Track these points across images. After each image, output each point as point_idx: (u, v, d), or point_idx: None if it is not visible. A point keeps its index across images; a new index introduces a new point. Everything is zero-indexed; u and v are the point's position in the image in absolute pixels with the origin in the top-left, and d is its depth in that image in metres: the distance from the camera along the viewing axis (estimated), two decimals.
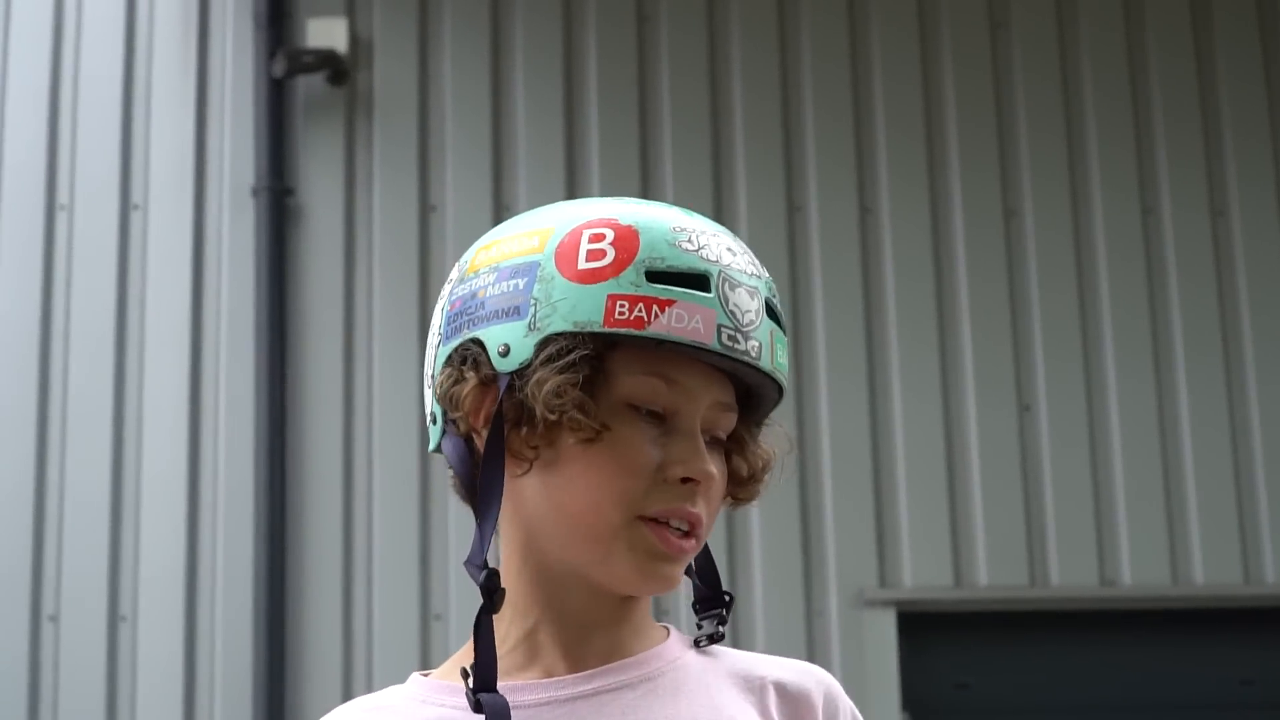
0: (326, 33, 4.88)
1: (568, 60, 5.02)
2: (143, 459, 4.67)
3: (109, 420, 4.68)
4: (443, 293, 1.45)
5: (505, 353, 1.35)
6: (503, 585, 1.38)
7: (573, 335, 1.33)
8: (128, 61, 4.92)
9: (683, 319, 1.33)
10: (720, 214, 4.92)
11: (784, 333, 1.40)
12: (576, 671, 1.39)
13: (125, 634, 4.57)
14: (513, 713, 1.34)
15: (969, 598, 4.80)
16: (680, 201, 4.86)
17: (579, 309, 1.34)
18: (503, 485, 1.36)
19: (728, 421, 1.41)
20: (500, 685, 1.35)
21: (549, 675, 1.38)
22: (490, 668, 1.33)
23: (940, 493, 4.84)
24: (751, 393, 1.42)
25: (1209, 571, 4.86)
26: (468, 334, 1.39)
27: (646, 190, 4.91)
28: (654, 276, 1.34)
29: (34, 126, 4.86)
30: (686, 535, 1.37)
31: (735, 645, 4.00)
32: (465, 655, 1.39)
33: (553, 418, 1.33)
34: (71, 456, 4.66)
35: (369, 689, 4.44)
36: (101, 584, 4.59)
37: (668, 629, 1.46)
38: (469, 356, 1.38)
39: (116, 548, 4.61)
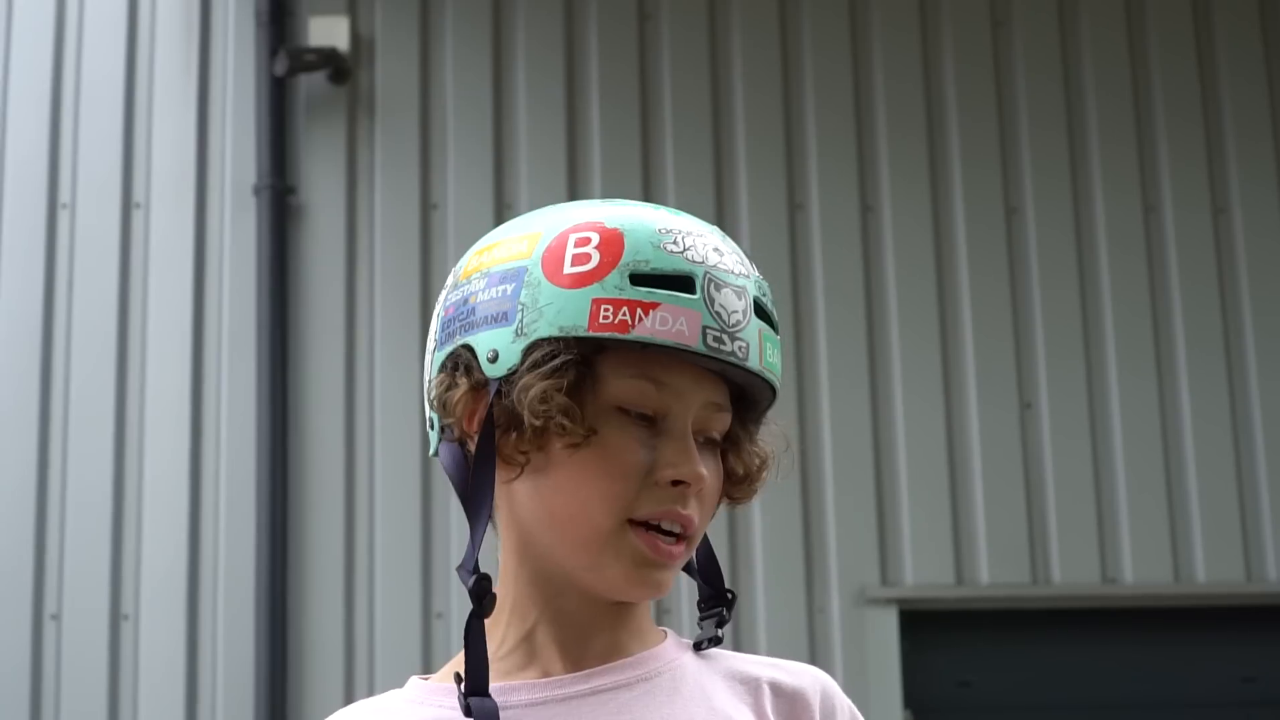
0: (328, 31, 4.88)
1: (569, 58, 5.02)
2: (144, 458, 4.67)
3: (111, 419, 4.68)
4: (440, 298, 1.46)
5: (494, 358, 1.36)
6: (501, 587, 1.40)
7: (558, 340, 1.34)
8: (129, 60, 4.92)
9: (667, 321, 1.33)
10: (722, 212, 4.92)
11: (775, 331, 1.40)
12: (574, 672, 1.39)
13: (127, 633, 4.57)
14: (509, 712, 1.35)
15: (971, 595, 4.80)
16: (682, 199, 4.88)
17: (564, 314, 1.34)
18: (493, 491, 1.37)
19: (721, 422, 1.41)
20: (497, 686, 1.36)
21: (546, 675, 1.39)
22: (481, 671, 1.34)
23: (942, 491, 4.84)
24: (745, 393, 1.42)
25: (1211, 569, 4.86)
26: (460, 340, 1.39)
27: (648, 188, 4.91)
28: (638, 279, 1.34)
29: (35, 125, 4.86)
30: (678, 540, 1.37)
31: (738, 643, 3.97)
32: (462, 659, 1.39)
33: (539, 424, 1.33)
34: (73, 455, 4.66)
35: (371, 687, 4.49)
36: (104, 583, 4.59)
37: (665, 632, 1.46)
38: (461, 362, 1.39)
39: (118, 547, 4.61)
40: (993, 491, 4.85)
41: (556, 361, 1.33)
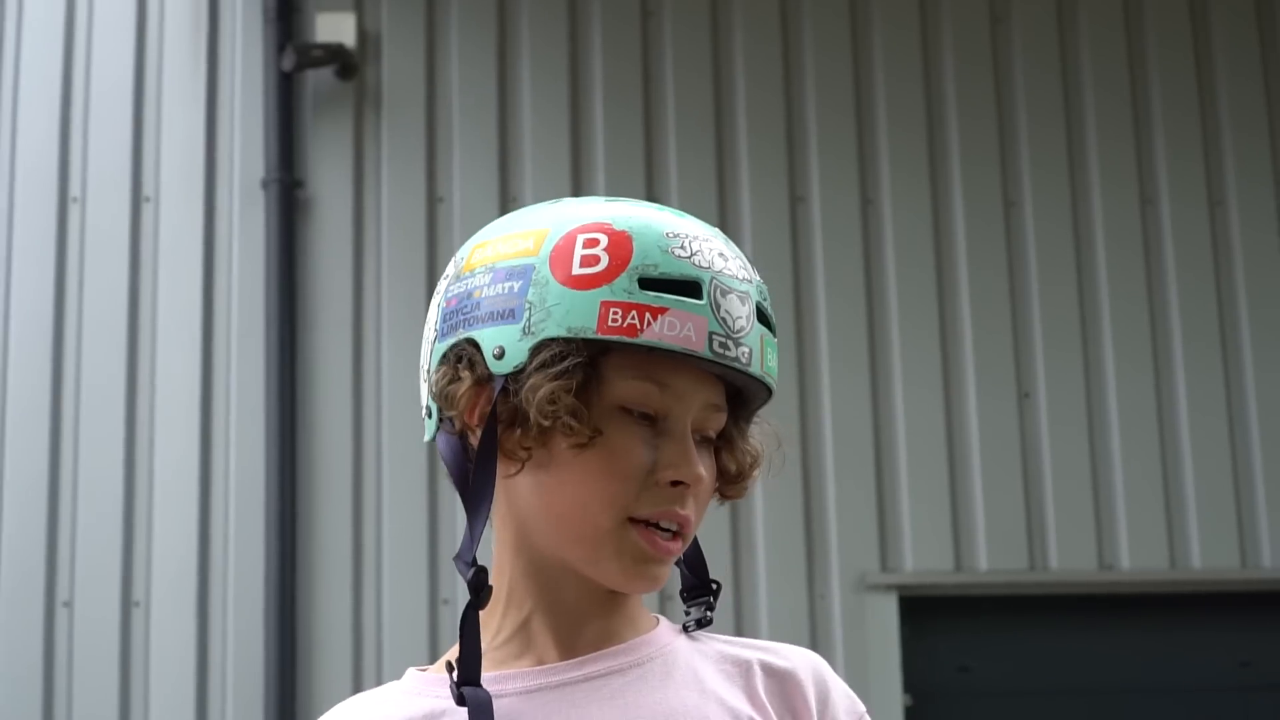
0: (335, 27, 4.89)
1: (573, 55, 5.02)
2: (155, 447, 4.68)
3: (122, 409, 4.69)
4: (438, 288, 1.46)
5: (500, 355, 1.36)
6: (496, 578, 1.41)
7: (566, 341, 1.33)
8: (139, 56, 4.92)
9: (675, 326, 1.33)
10: (724, 205, 4.92)
11: (774, 335, 1.41)
12: (568, 659, 1.40)
13: (138, 619, 4.58)
14: (505, 700, 1.36)
15: (970, 582, 4.81)
16: (684, 192, 4.90)
17: (573, 315, 1.34)
18: (494, 485, 1.37)
19: (717, 421, 1.42)
20: (492, 675, 1.37)
21: (541, 664, 1.40)
22: (474, 661, 1.35)
23: (941, 479, 4.85)
24: (740, 392, 1.42)
25: (1206, 556, 4.87)
26: (463, 333, 1.39)
27: (651, 182, 4.92)
28: (647, 283, 1.34)
29: (47, 120, 4.87)
30: (674, 536, 1.38)
31: (739, 629, 3.99)
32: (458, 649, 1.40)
33: (546, 423, 1.33)
34: (85, 445, 4.66)
35: (379, 671, 4.49)
36: (115, 571, 4.59)
37: (657, 618, 1.47)
38: (464, 356, 1.39)
39: (130, 535, 4.62)
40: (991, 480, 4.85)
41: (565, 363, 1.33)
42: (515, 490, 1.40)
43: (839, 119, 5.06)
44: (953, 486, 4.86)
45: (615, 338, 1.33)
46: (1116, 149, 5.12)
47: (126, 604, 4.60)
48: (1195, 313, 5.03)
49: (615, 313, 1.33)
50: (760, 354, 1.38)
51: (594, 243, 1.36)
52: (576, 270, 1.35)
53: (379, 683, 4.10)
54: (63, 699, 4.53)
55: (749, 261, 1.43)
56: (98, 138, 4.88)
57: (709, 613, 1.46)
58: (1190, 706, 4.97)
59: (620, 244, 1.35)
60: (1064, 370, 4.95)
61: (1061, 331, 4.98)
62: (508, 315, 1.36)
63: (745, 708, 1.40)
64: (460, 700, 1.34)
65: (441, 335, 1.42)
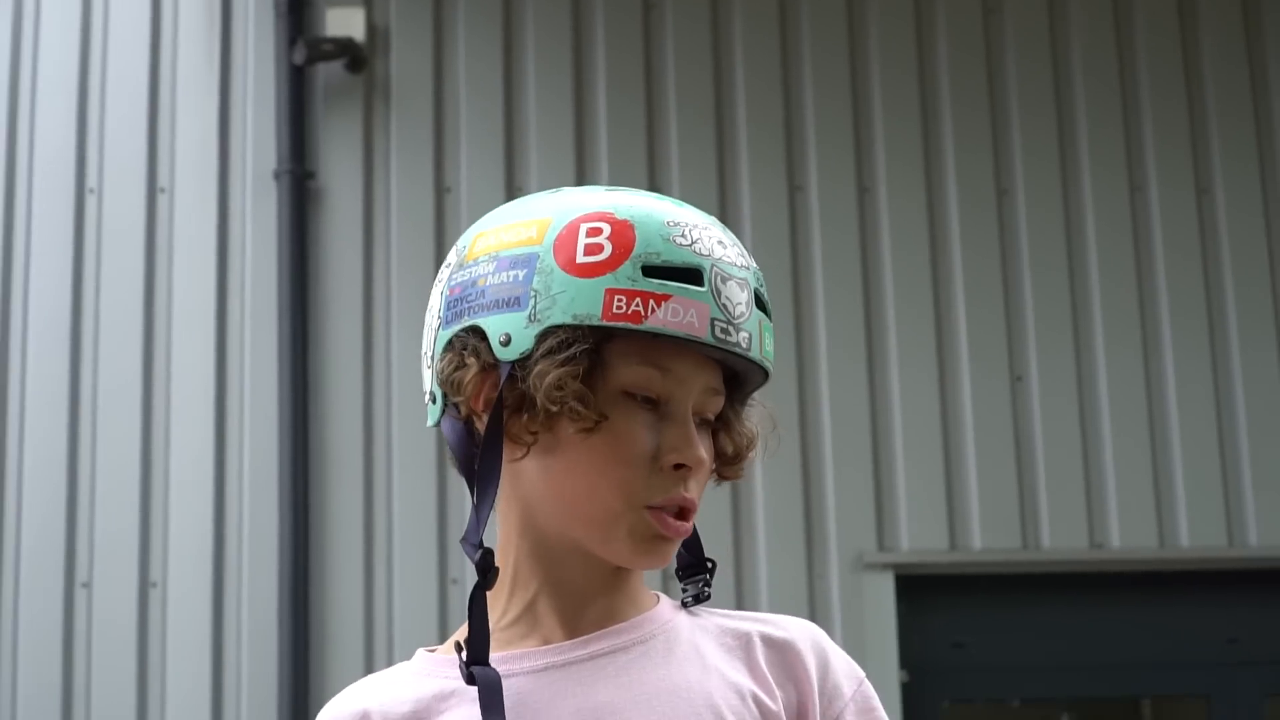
0: (345, 22, 4.89)
1: (577, 47, 5.04)
2: (171, 433, 4.69)
3: (138, 396, 4.69)
4: (440, 276, 1.46)
5: (507, 342, 1.37)
6: (502, 560, 1.42)
7: (572, 328, 1.35)
8: (153, 50, 4.93)
9: (678, 313, 1.35)
10: (724, 194, 4.93)
11: (770, 320, 1.43)
12: (572, 639, 1.41)
13: (155, 600, 4.59)
14: (513, 679, 1.37)
15: (964, 561, 4.81)
16: (685, 181, 4.94)
17: (578, 302, 1.35)
18: (501, 469, 1.38)
19: (716, 404, 1.43)
20: (500, 655, 1.38)
21: (547, 643, 1.41)
22: (483, 641, 1.36)
23: (936, 460, 4.86)
24: (737, 375, 1.44)
25: (1194, 535, 4.87)
26: (468, 321, 1.39)
27: (652, 171, 4.93)
28: (650, 271, 1.36)
29: (64, 113, 4.87)
30: (682, 515, 1.40)
31: (739, 607, 4.04)
32: (466, 630, 1.40)
33: (554, 409, 1.34)
34: (102, 431, 4.67)
35: (390, 648, 4.46)
36: (132, 553, 4.60)
37: (658, 595, 1.48)
38: (469, 343, 1.39)
39: (147, 518, 4.62)
40: (985, 461, 4.86)
41: (572, 350, 1.34)
42: (520, 474, 1.41)
43: (836, 110, 5.06)
44: (947, 468, 4.86)
45: (620, 324, 1.34)
46: (1106, 137, 5.11)
47: (144, 585, 4.61)
48: (1183, 296, 5.02)
49: (620, 300, 1.34)
50: (759, 339, 1.40)
51: (597, 231, 1.37)
52: (581, 258, 1.36)
53: (390, 661, 4.18)
54: (81, 677, 4.54)
55: (746, 249, 1.45)
56: (114, 131, 4.88)
57: (706, 588, 1.49)
58: (1178, 681, 5.00)
59: (623, 233, 1.37)
60: (1055, 354, 4.95)
61: (1053, 316, 4.97)
62: (513, 303, 1.37)
63: (746, 680, 1.42)
64: (470, 680, 1.35)
65: (446, 322, 1.42)
